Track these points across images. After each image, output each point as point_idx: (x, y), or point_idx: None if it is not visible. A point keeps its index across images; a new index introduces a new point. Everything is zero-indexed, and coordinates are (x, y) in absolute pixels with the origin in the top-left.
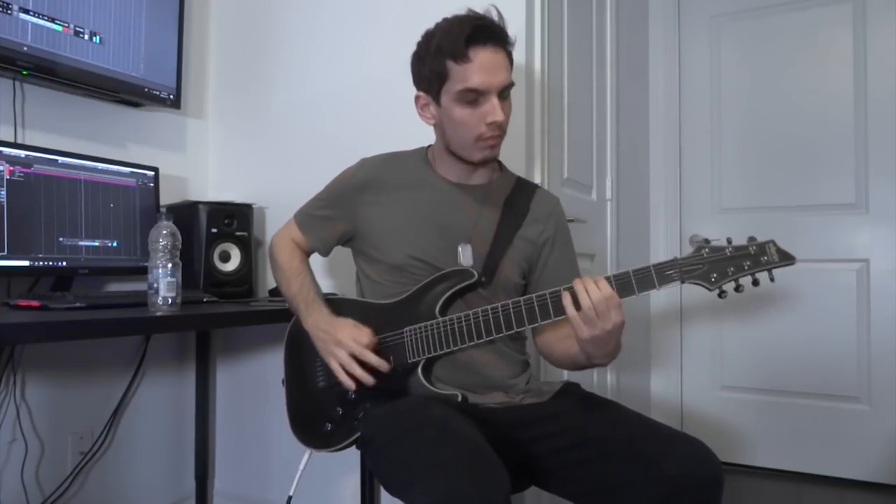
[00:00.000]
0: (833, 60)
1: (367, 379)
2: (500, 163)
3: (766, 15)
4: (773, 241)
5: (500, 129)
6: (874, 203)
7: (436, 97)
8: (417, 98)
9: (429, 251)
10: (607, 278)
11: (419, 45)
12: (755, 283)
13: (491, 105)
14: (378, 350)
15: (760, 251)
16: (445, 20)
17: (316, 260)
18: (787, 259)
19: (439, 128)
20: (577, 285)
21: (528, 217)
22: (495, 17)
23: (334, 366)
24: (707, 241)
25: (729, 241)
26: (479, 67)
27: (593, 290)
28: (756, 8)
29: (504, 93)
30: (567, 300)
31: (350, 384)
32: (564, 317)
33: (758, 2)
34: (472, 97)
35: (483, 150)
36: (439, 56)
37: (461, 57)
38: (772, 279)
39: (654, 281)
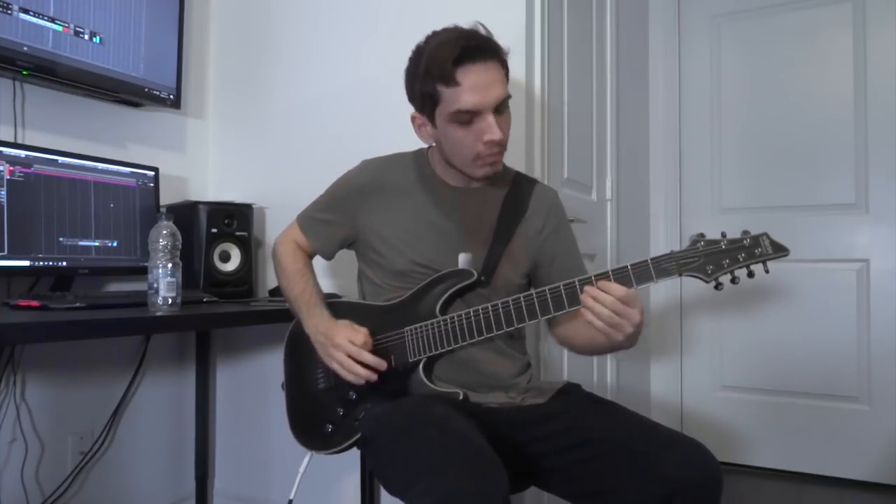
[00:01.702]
0: (833, 60)
1: (369, 376)
2: None
3: (766, 15)
4: (766, 234)
5: (500, 146)
6: (874, 203)
7: (430, 118)
8: (413, 118)
9: (430, 256)
10: (605, 273)
11: (409, 63)
12: (750, 274)
13: (487, 123)
14: (374, 349)
15: (754, 243)
16: (432, 38)
17: (318, 260)
18: (780, 251)
19: (438, 146)
20: (589, 301)
21: (528, 214)
22: (482, 31)
23: (335, 367)
24: (702, 234)
25: (724, 234)
26: (471, 88)
27: (605, 299)
28: (756, 8)
29: (500, 107)
30: (590, 315)
31: (356, 380)
32: (564, 312)
33: (758, 2)
34: (467, 118)
35: (483, 168)
36: (429, 79)
37: (450, 80)
38: (766, 271)
39: (651, 274)
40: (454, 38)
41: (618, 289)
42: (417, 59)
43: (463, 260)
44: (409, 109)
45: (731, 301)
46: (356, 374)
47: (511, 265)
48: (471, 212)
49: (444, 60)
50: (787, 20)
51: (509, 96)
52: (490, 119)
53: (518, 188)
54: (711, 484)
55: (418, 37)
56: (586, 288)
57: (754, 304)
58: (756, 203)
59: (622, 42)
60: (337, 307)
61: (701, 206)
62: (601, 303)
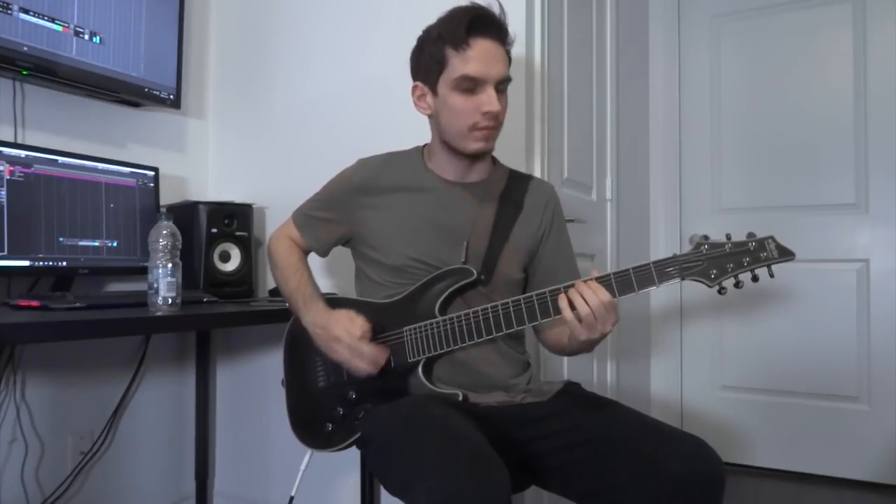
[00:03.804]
0: (833, 60)
1: (370, 370)
2: (494, 158)
3: (766, 15)
4: (772, 237)
5: (496, 121)
6: (874, 203)
7: (433, 86)
8: (414, 88)
9: (428, 252)
10: (607, 276)
11: (420, 36)
12: (754, 278)
13: (487, 95)
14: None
15: (759, 247)
16: (447, 11)
17: (315, 259)
18: (786, 255)
19: (434, 118)
20: (574, 294)
21: (524, 210)
22: (497, 11)
23: (338, 360)
24: (706, 237)
25: (728, 237)
26: (478, 56)
27: (591, 297)
28: (756, 8)
29: (501, 86)
30: (564, 303)
31: (362, 373)
32: None
33: (758, 2)
34: (470, 85)
35: (477, 141)
36: (439, 42)
37: (461, 44)
38: (771, 275)
39: (654, 278)
40: (471, 7)
41: (605, 294)
42: (429, 28)
43: (468, 254)
44: (409, 109)
45: (732, 301)
46: (357, 367)
47: (510, 262)
48: (468, 208)
49: (458, 24)
50: (787, 20)
51: (510, 79)
52: (491, 91)
53: (514, 186)
54: (714, 481)
55: (418, 35)
56: (578, 283)
57: (754, 305)
58: (756, 203)
59: (622, 42)
60: (336, 304)
61: (701, 206)
62: (587, 300)
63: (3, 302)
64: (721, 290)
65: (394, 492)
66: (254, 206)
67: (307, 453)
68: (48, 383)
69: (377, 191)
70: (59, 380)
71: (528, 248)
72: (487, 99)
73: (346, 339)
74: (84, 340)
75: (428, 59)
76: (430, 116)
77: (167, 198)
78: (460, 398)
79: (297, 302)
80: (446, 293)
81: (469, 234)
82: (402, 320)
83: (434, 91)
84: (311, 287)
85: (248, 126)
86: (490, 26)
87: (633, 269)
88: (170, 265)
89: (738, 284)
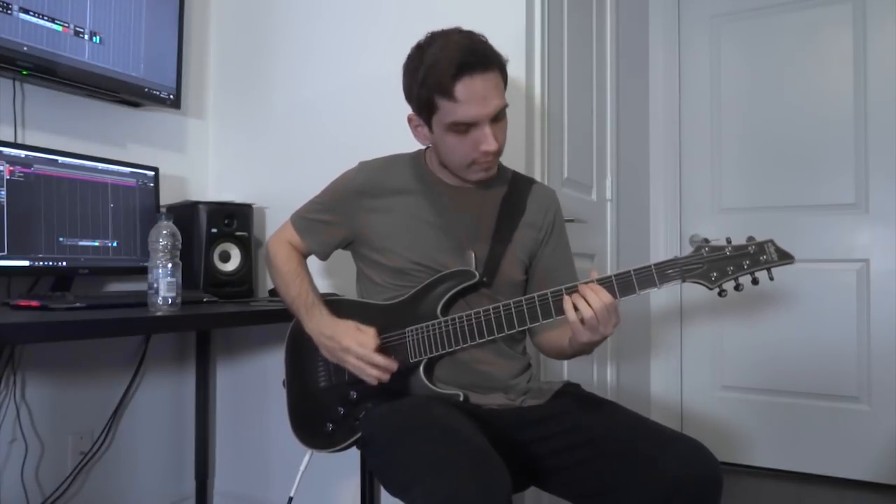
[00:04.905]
0: (833, 60)
1: (382, 377)
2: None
3: (766, 15)
4: (772, 241)
5: (494, 153)
6: (874, 203)
7: (427, 123)
8: (410, 119)
9: (429, 254)
10: (608, 278)
11: (408, 61)
12: (755, 281)
13: (483, 134)
14: (383, 350)
15: (759, 250)
16: (432, 43)
17: (315, 260)
18: (786, 258)
19: (434, 147)
20: (577, 297)
21: (526, 214)
22: (482, 39)
23: (350, 369)
24: (707, 240)
25: (728, 240)
26: (468, 99)
27: (594, 299)
28: (756, 8)
29: (497, 115)
30: (568, 305)
31: (373, 382)
32: (565, 315)
33: (758, 2)
34: (463, 128)
35: (478, 173)
36: (426, 89)
37: (448, 94)
38: (771, 278)
39: (654, 280)
40: (453, 51)
41: (607, 296)
42: (416, 63)
43: (469, 258)
44: (409, 110)
45: (732, 301)
46: (369, 376)
47: (512, 264)
48: (469, 211)
49: (443, 74)
50: (787, 20)
51: (506, 105)
52: (486, 130)
53: (516, 188)
54: (711, 483)
55: (418, 36)
56: (580, 285)
57: (754, 305)
58: (756, 203)
59: (622, 42)
60: (337, 306)
61: (701, 206)
62: (590, 303)
63: (3, 302)
64: (721, 293)
65: (394, 492)
66: (254, 206)
67: (307, 453)
68: (48, 383)
69: (379, 193)
70: (59, 380)
71: (530, 251)
72: (483, 138)
73: (359, 350)
74: (84, 340)
75: (417, 100)
76: (429, 146)
77: (167, 198)
78: (461, 398)
79: (299, 309)
80: (448, 295)
81: (471, 237)
82: (404, 321)
83: (429, 127)
84: (312, 293)
85: (248, 126)
86: (478, 64)
87: (635, 270)
88: (170, 265)
89: (738, 287)
